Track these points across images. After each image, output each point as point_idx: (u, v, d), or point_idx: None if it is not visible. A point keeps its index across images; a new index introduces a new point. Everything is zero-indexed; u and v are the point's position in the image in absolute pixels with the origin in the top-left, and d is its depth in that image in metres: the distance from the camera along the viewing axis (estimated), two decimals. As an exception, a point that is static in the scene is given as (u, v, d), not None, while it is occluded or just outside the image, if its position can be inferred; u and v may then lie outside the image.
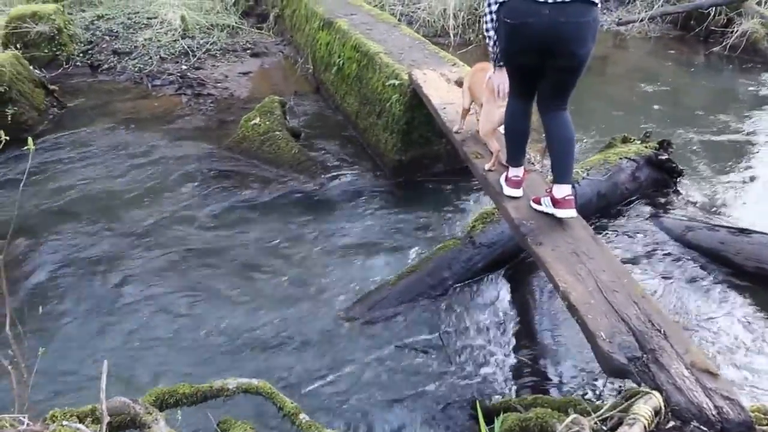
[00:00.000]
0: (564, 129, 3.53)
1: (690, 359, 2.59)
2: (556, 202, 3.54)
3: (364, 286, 4.48)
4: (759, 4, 11.01)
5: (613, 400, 2.61)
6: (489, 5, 3.41)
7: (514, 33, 3.21)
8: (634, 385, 2.61)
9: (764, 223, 5.34)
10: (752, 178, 6.25)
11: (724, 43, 10.54)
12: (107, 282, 4.52)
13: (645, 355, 2.62)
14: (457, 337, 4.06)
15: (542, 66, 3.28)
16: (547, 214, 3.59)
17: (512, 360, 3.86)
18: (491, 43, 3.55)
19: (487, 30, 3.50)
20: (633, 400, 2.44)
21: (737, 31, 10.47)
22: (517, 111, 3.61)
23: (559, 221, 3.52)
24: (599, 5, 3.15)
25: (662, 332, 2.73)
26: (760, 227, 5.15)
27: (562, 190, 3.51)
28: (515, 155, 3.73)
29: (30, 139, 2.45)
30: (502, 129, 3.92)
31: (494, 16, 3.38)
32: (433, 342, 4.01)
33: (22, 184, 5.13)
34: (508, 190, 3.78)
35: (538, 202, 3.66)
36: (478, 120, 4.55)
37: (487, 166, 4.07)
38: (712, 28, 11.12)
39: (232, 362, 3.81)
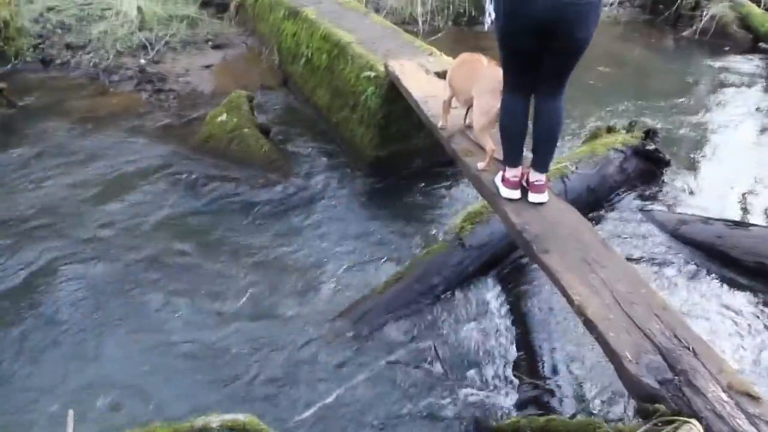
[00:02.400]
0: (554, 119, 3.38)
1: (726, 380, 2.36)
2: (529, 186, 3.49)
3: (348, 296, 4.17)
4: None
5: (641, 427, 2.37)
6: None
7: (514, 12, 2.99)
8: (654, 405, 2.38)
9: (753, 212, 5.23)
10: (735, 166, 6.12)
11: (694, 27, 10.44)
12: (61, 296, 4.09)
13: (676, 377, 2.38)
14: (452, 347, 3.80)
15: (540, 50, 3.06)
16: (541, 213, 3.41)
17: (513, 372, 3.61)
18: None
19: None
20: (669, 429, 2.20)
21: (706, 14, 10.38)
22: (514, 108, 3.35)
23: (564, 225, 3.28)
24: None
25: (691, 349, 2.50)
26: (746, 217, 5.04)
27: (537, 176, 3.47)
28: (513, 155, 3.47)
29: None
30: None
31: None
32: (427, 354, 3.74)
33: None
34: (505, 192, 3.51)
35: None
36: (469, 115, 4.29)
37: (480, 166, 3.79)
38: (681, 12, 11.05)
39: (209, 392, 3.44)
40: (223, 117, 6.06)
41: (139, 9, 9.14)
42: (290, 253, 4.61)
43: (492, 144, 3.72)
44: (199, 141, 6.07)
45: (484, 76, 3.69)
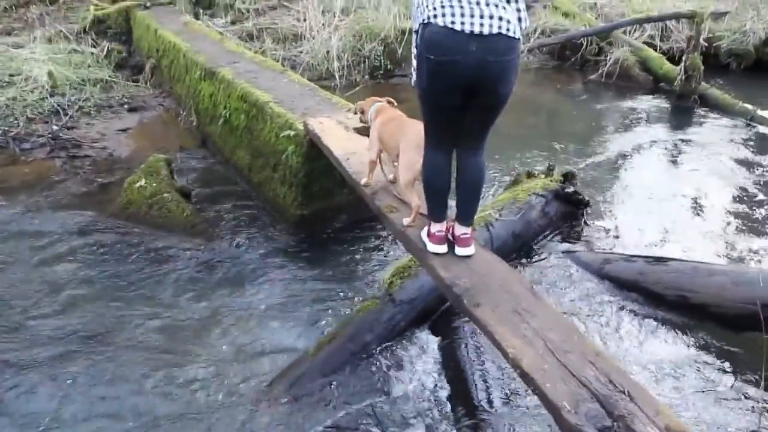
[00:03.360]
0: (477, 173, 3.42)
1: (663, 422, 2.38)
2: (456, 239, 3.50)
3: (280, 361, 4.06)
4: (624, 33, 11.53)
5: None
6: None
7: (437, 71, 2.99)
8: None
9: (669, 245, 5.42)
10: (648, 201, 6.40)
11: (600, 71, 10.94)
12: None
13: (615, 423, 2.39)
14: (390, 406, 3.73)
15: (463, 106, 3.08)
16: (469, 266, 3.43)
17: (453, 428, 3.56)
18: None
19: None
20: (612, 478, 2.20)
21: (610, 59, 10.91)
22: (437, 163, 3.37)
23: (493, 277, 3.30)
24: (521, 40, 3.00)
25: (627, 394, 2.52)
26: (663, 250, 5.23)
27: (463, 229, 3.49)
28: (437, 209, 3.48)
29: None
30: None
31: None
32: (365, 415, 3.66)
33: None
34: (432, 247, 3.51)
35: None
36: (390, 170, 4.32)
37: (406, 222, 3.79)
38: (587, 57, 11.57)
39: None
40: (142, 182, 5.91)
41: (50, 74, 8.92)
42: (218, 320, 4.48)
43: (417, 200, 3.73)
44: (118, 208, 5.89)
45: (408, 132, 3.72)
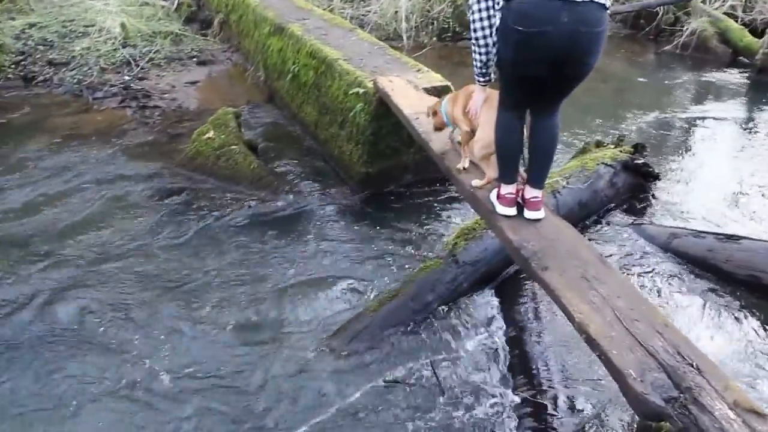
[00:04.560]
0: (550, 136, 3.36)
1: (732, 397, 2.33)
2: (525, 202, 3.47)
3: (342, 315, 4.12)
4: (704, 2, 11.11)
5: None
6: (480, 2, 3.13)
7: (526, 42, 2.87)
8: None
9: (741, 224, 5.26)
10: (720, 177, 6.19)
11: (675, 42, 10.58)
12: (49, 321, 4.00)
13: (682, 395, 2.36)
14: (448, 366, 3.75)
15: (547, 76, 2.98)
16: (538, 229, 3.39)
17: (510, 391, 3.56)
18: (482, 51, 3.27)
19: (480, 37, 3.21)
20: (677, 449, 2.17)
21: (687, 29, 10.53)
22: (511, 125, 3.31)
23: (562, 242, 3.26)
24: (609, 9, 2.90)
25: (695, 366, 2.47)
26: (735, 228, 5.08)
27: (533, 192, 3.45)
28: (509, 172, 3.44)
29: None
30: None
31: (493, 20, 3.09)
32: (423, 373, 3.69)
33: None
34: (501, 209, 3.49)
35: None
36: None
37: (476, 183, 3.76)
38: (663, 27, 11.21)
39: (200, 419, 3.36)
40: (210, 134, 6.00)
41: (123, 25, 9.11)
42: (281, 271, 4.55)
43: (493, 171, 3.65)
44: (186, 158, 6.01)
45: (492, 102, 3.61)
